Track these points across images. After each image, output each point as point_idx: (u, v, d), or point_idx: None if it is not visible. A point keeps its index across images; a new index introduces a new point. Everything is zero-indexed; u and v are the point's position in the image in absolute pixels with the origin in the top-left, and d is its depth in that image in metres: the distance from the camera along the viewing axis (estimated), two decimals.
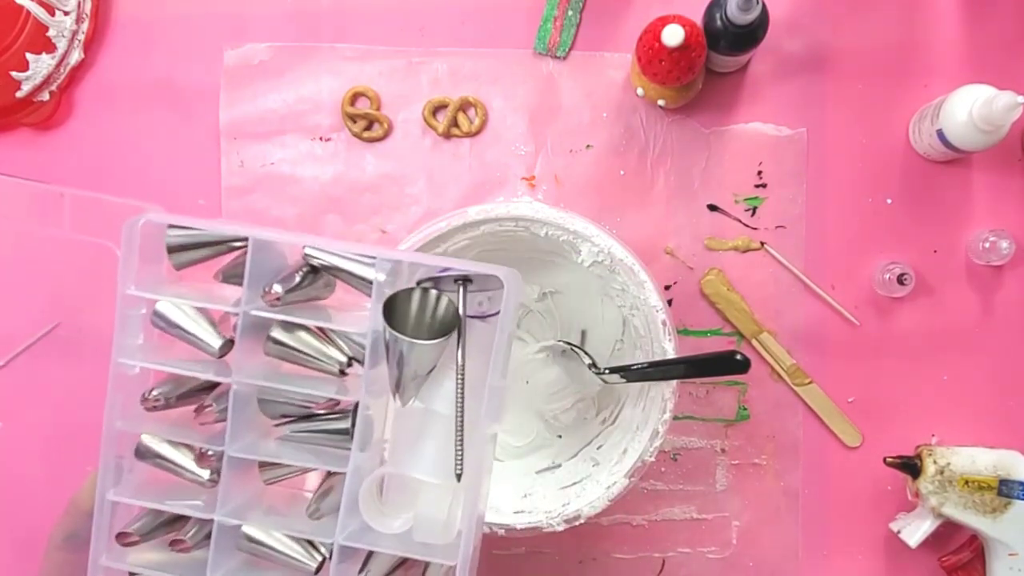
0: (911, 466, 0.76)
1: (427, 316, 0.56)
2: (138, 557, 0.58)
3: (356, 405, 0.56)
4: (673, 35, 0.67)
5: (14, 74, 0.78)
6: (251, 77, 0.81)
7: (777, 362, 0.79)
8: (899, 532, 0.77)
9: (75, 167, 0.81)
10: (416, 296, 0.56)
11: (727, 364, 0.63)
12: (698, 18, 0.72)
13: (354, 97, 0.81)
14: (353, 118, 0.81)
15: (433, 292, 0.56)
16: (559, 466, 0.76)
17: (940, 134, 0.72)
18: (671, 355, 0.67)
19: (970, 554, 0.77)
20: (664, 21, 0.68)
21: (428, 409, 0.57)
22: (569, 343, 0.75)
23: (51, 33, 0.78)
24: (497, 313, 0.55)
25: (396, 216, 0.81)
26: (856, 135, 0.79)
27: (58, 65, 0.79)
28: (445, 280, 0.57)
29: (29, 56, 0.78)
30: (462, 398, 0.54)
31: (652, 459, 0.68)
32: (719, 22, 0.70)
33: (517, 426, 0.77)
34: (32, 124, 0.81)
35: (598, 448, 0.74)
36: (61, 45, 0.79)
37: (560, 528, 0.69)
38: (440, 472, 0.55)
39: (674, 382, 0.67)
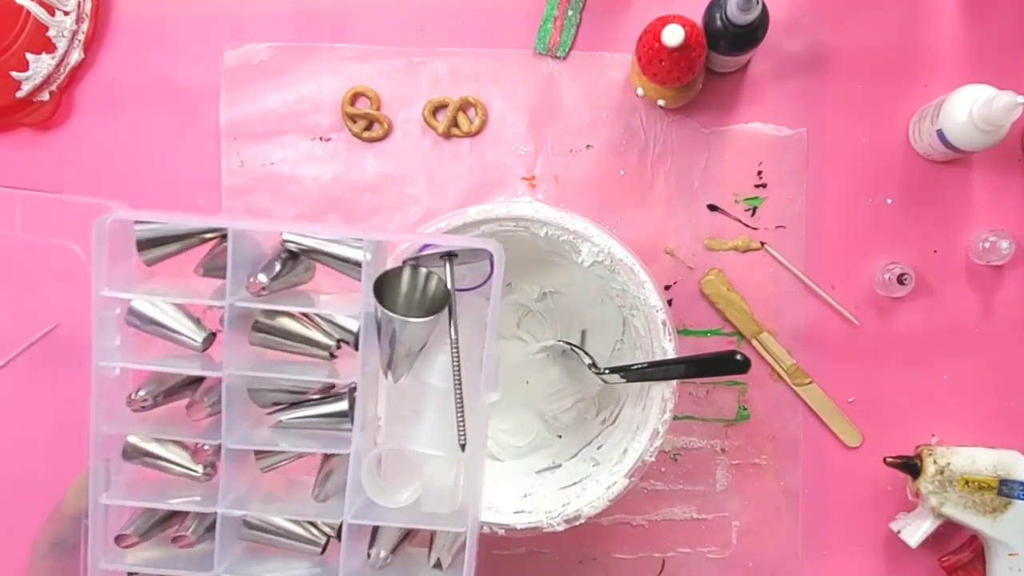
0: (911, 466, 0.76)
1: (416, 294, 0.57)
2: (136, 556, 0.58)
3: (353, 387, 0.56)
4: (673, 35, 0.67)
5: (14, 74, 0.78)
6: (251, 77, 0.81)
7: (777, 362, 0.79)
8: (899, 532, 0.77)
9: (75, 167, 0.81)
10: (404, 275, 0.56)
11: (727, 364, 0.63)
12: (698, 18, 0.72)
13: (354, 97, 0.81)
14: (353, 118, 0.81)
15: (421, 270, 0.57)
16: (559, 466, 0.76)
17: (940, 134, 0.72)
18: (671, 355, 0.67)
19: (970, 554, 0.77)
20: (664, 21, 0.68)
21: (423, 383, 0.57)
22: (569, 343, 0.75)
23: (51, 33, 0.78)
24: (481, 285, 0.56)
25: (396, 216, 0.81)
26: (856, 135, 0.79)
27: (58, 65, 0.79)
28: (430, 257, 0.58)
29: (29, 56, 0.78)
30: (458, 371, 0.55)
31: (652, 459, 0.68)
32: (719, 22, 0.70)
33: (517, 426, 0.77)
34: (32, 124, 0.81)
35: (598, 448, 0.74)
36: (61, 45, 0.79)
37: (560, 528, 0.69)
38: (442, 444, 0.56)
39: (674, 382, 0.67)
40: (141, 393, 0.57)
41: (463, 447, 0.55)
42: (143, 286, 0.56)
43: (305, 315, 0.58)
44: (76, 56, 0.80)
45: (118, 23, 0.81)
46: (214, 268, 0.56)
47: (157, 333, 0.56)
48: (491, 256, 0.55)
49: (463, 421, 0.55)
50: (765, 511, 0.80)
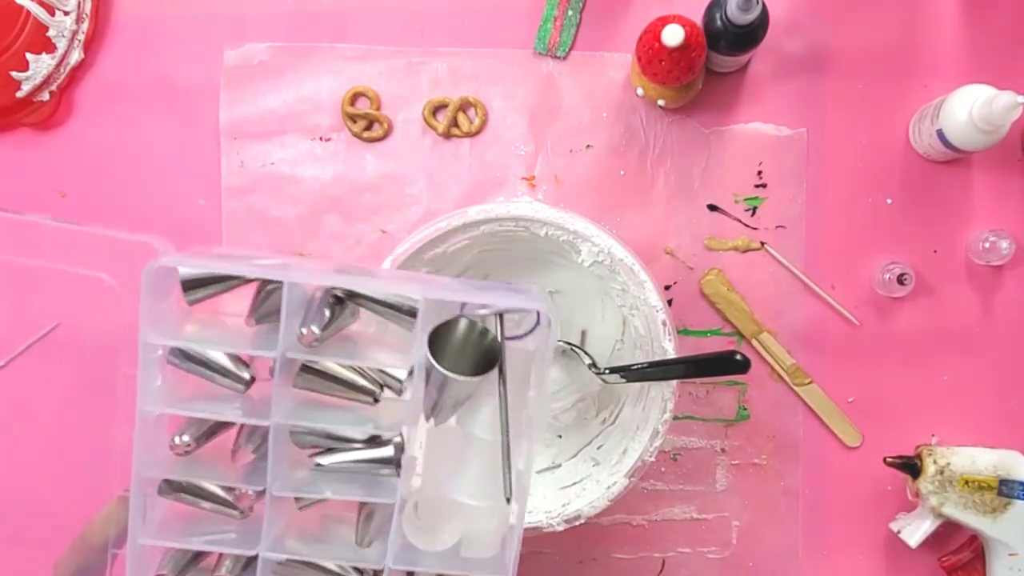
0: (911, 466, 0.76)
1: (468, 345, 0.56)
2: None
3: (399, 436, 0.55)
4: (673, 35, 0.67)
5: (14, 74, 0.78)
6: (251, 77, 0.81)
7: (777, 362, 0.79)
8: (899, 532, 0.77)
9: (75, 167, 0.81)
10: (457, 327, 0.55)
11: (727, 364, 0.63)
12: (698, 18, 0.72)
13: (354, 97, 0.81)
14: (353, 118, 0.81)
15: (475, 323, 0.56)
16: (559, 466, 0.76)
17: (940, 134, 0.72)
18: (671, 355, 0.67)
19: (970, 554, 0.77)
20: (664, 21, 0.68)
21: (466, 433, 0.57)
22: (569, 343, 0.75)
23: (51, 33, 0.78)
24: (529, 332, 0.55)
25: (396, 216, 0.81)
26: (856, 135, 0.79)
27: (58, 65, 0.79)
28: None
29: (29, 56, 0.78)
30: (507, 427, 0.54)
31: (652, 459, 0.68)
32: (719, 22, 0.70)
33: None
34: (32, 124, 0.81)
35: (598, 448, 0.74)
36: (61, 45, 0.79)
37: (560, 528, 0.69)
38: (484, 494, 0.55)
39: (674, 382, 0.67)
40: (185, 438, 0.55)
41: (509, 500, 0.54)
42: (188, 328, 0.55)
43: None
44: (76, 56, 0.80)
45: (118, 23, 0.81)
46: (265, 316, 0.55)
47: (197, 373, 0.55)
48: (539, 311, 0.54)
49: (510, 475, 0.54)
50: (765, 511, 0.80)
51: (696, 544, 0.81)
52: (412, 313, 0.54)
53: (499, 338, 0.56)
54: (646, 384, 0.70)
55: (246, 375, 0.55)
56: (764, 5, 0.69)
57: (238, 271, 0.53)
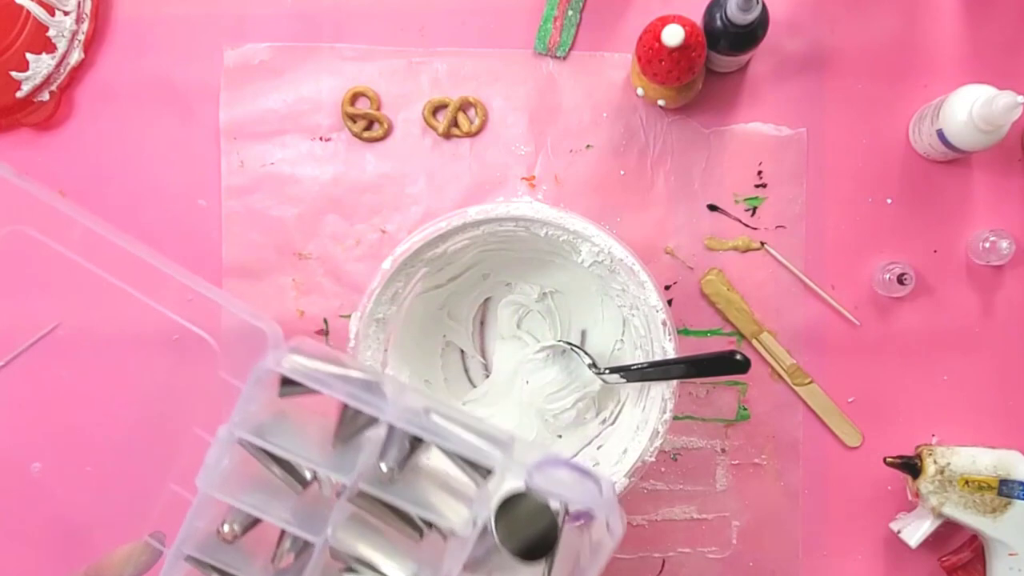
0: (911, 466, 0.76)
1: (529, 519, 0.54)
2: None
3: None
4: (673, 35, 0.67)
5: (14, 74, 0.78)
6: (251, 77, 0.81)
7: (777, 362, 0.79)
8: (899, 532, 0.77)
9: (75, 167, 0.81)
10: (523, 502, 0.54)
11: (727, 364, 0.63)
12: (698, 18, 0.72)
13: (354, 97, 0.81)
14: (353, 118, 0.81)
15: (545, 506, 0.54)
16: None
17: (940, 134, 0.72)
18: (671, 355, 0.67)
19: (970, 554, 0.77)
20: (664, 21, 0.68)
21: None
22: (569, 343, 0.75)
23: (51, 33, 0.79)
24: (587, 520, 0.54)
25: (396, 216, 0.81)
26: (856, 135, 0.79)
27: (58, 65, 0.80)
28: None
29: (29, 56, 0.78)
30: None
31: (652, 459, 0.68)
32: (719, 22, 0.70)
33: (517, 426, 0.77)
34: (32, 124, 0.81)
35: (598, 448, 0.74)
36: (61, 45, 0.79)
37: None
38: None
39: (674, 382, 0.67)
40: (235, 527, 0.55)
41: None
42: (266, 419, 0.55)
43: None
44: (76, 56, 0.80)
45: (118, 23, 0.82)
46: (347, 436, 0.55)
47: (260, 460, 0.55)
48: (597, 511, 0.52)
49: None
50: (765, 511, 0.80)
51: (696, 544, 0.81)
52: (484, 471, 0.54)
53: (559, 527, 0.54)
54: (646, 384, 0.70)
55: (307, 476, 0.55)
56: (764, 5, 0.69)
57: (344, 397, 0.53)
